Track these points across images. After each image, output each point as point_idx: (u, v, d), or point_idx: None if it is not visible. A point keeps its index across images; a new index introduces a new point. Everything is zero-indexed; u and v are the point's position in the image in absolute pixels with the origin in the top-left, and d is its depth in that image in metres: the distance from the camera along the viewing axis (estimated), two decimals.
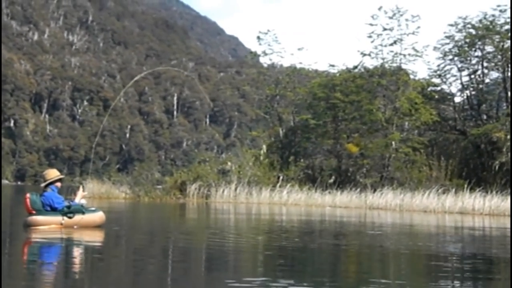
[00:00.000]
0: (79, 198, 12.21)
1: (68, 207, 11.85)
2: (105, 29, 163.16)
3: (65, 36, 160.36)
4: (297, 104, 38.54)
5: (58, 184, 12.05)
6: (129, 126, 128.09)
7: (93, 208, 12.54)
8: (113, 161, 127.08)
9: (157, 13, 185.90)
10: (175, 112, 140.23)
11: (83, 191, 12.56)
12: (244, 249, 10.22)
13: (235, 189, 31.23)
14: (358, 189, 30.54)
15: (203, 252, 9.36)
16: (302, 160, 36.22)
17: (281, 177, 33.12)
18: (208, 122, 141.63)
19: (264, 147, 37.55)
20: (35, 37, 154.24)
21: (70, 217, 11.79)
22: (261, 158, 35.95)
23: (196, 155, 68.52)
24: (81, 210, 12.00)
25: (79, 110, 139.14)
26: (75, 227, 11.70)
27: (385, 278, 7.30)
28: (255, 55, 43.94)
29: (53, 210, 11.80)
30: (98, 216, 12.32)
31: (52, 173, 12.07)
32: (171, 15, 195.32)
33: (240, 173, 32.69)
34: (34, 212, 11.70)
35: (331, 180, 34.17)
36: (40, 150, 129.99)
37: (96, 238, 10.95)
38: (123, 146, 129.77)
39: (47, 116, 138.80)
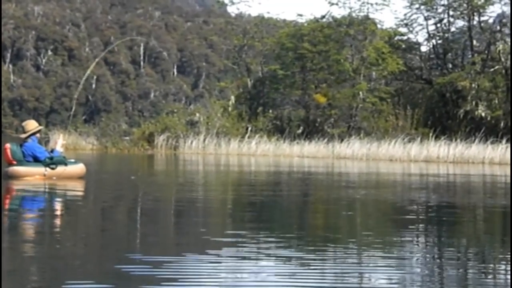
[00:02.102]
0: (60, 146, 12.19)
1: (51, 158, 11.80)
2: None
3: None
4: (265, 54, 38.38)
5: (38, 135, 12.03)
6: (95, 77, 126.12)
7: (72, 160, 12.47)
8: (79, 112, 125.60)
9: None
10: (141, 63, 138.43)
11: (63, 139, 12.55)
12: (212, 202, 10.35)
13: (204, 140, 31.30)
14: (326, 139, 30.84)
15: (172, 206, 9.45)
16: (270, 111, 36.30)
17: (249, 128, 33.23)
18: (175, 73, 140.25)
19: (233, 98, 37.49)
20: None
21: (53, 168, 11.74)
22: (230, 109, 35.95)
23: (164, 106, 68.09)
24: (64, 161, 11.97)
25: (44, 60, 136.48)
26: (54, 178, 11.65)
27: (352, 228, 7.50)
28: (222, 4, 43.48)
29: (36, 160, 11.73)
30: (80, 168, 12.32)
31: (33, 124, 11.97)
32: None
33: (209, 124, 32.71)
34: (14, 162, 11.60)
35: (299, 131, 34.39)
36: (4, 101, 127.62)
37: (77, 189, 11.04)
38: (89, 97, 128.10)
39: (10, 66, 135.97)
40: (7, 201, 9.09)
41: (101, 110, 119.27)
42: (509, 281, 4.40)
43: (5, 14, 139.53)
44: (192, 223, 7.40)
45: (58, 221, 7.28)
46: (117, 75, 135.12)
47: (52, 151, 12.07)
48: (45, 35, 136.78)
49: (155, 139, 32.18)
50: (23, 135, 11.83)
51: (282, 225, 7.42)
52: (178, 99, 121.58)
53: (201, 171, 18.69)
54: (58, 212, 8.14)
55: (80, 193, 10.57)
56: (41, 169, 11.70)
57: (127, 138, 35.01)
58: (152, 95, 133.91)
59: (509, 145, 26.64)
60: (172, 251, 5.40)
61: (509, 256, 5.37)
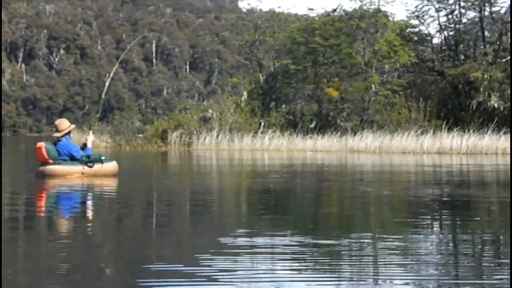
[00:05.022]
0: (90, 143, 12.39)
1: (88, 156, 12.01)
2: None
3: None
4: (277, 49, 38.43)
5: (71, 134, 12.26)
6: (107, 75, 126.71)
7: (103, 158, 12.61)
8: (93, 110, 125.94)
9: None
10: (154, 60, 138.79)
11: (93, 136, 12.79)
12: (227, 198, 10.49)
13: (217, 136, 31.44)
14: (339, 133, 30.88)
15: (187, 204, 9.60)
16: (283, 105, 36.37)
17: (262, 123, 33.34)
18: (188, 70, 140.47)
19: (245, 93, 37.59)
20: None
21: (90, 166, 11.96)
22: (242, 104, 36.05)
23: (176, 103, 68.30)
24: (100, 159, 12.20)
25: (56, 59, 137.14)
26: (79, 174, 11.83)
27: (367, 222, 7.62)
28: (233, 0, 43.48)
29: (72, 159, 11.92)
30: (114, 165, 12.55)
31: (66, 123, 12.16)
32: None
33: (222, 120, 32.85)
34: (51, 161, 11.75)
35: (312, 125, 34.44)
36: (18, 100, 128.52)
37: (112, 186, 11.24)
38: (102, 95, 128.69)
39: (23, 65, 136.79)
40: (44, 200, 9.28)
41: (114, 108, 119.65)
42: None
43: (17, 14, 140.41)
44: (211, 215, 7.55)
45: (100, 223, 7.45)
46: (130, 73, 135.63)
47: (83, 148, 12.24)
48: (57, 34, 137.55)
49: (168, 136, 32.38)
50: (58, 134, 11.97)
51: (295, 220, 7.56)
52: (191, 96, 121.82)
53: (223, 166, 18.86)
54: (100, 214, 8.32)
55: (123, 192, 10.70)
56: (79, 168, 11.88)
57: (141, 135, 35.23)
58: (165, 92, 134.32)
59: None
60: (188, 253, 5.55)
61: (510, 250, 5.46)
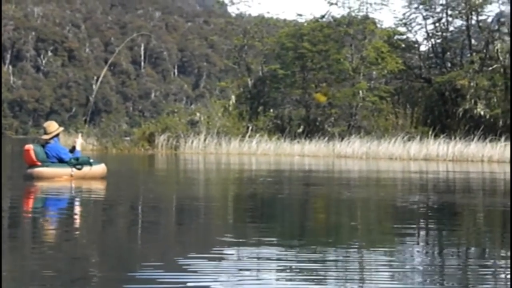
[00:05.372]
0: (79, 146, 12.36)
1: (77, 158, 11.97)
2: None
3: None
4: (265, 54, 38.50)
5: (59, 136, 12.20)
6: (95, 77, 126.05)
7: (92, 160, 12.56)
8: (80, 112, 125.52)
9: None
10: (142, 63, 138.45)
11: (82, 139, 12.73)
12: (214, 203, 10.47)
13: (204, 140, 31.41)
14: (326, 138, 30.97)
15: (173, 208, 9.57)
16: (271, 110, 36.44)
17: (250, 127, 33.36)
18: (176, 73, 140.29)
19: (233, 97, 37.61)
20: None
21: (79, 169, 11.92)
22: (230, 108, 36.07)
23: (164, 106, 68.19)
24: (89, 162, 12.16)
25: (44, 61, 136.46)
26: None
27: (353, 228, 7.62)
28: (222, 4, 43.60)
29: (60, 161, 11.85)
30: (102, 168, 12.52)
31: (54, 126, 12.12)
32: None
33: (209, 124, 32.83)
34: (39, 163, 11.67)
35: (300, 130, 34.53)
36: (4, 102, 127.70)
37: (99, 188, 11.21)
38: (89, 98, 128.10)
39: (10, 67, 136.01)
40: (32, 202, 9.20)
41: (101, 111, 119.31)
42: (509, 281, 4.51)
43: (5, 15, 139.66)
44: (196, 224, 7.53)
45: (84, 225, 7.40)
46: (118, 76, 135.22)
47: (71, 151, 12.20)
48: (45, 36, 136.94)
49: (155, 139, 32.32)
50: (46, 136, 11.93)
51: (282, 226, 7.55)
52: (179, 99, 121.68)
53: (211, 171, 18.83)
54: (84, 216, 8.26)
55: (112, 194, 10.66)
56: (67, 170, 11.83)
57: (128, 138, 35.11)
58: (152, 95, 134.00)
59: (508, 143, 26.75)
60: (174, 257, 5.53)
61: (510, 255, 5.48)
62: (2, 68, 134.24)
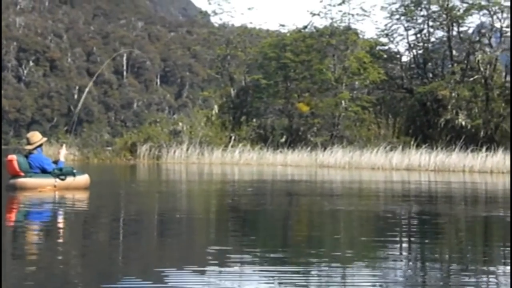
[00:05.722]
0: (63, 157, 12.27)
1: (60, 169, 11.88)
2: None
3: None
4: (248, 64, 38.56)
5: (43, 146, 12.10)
6: (77, 87, 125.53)
7: (75, 171, 12.47)
8: (61, 122, 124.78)
9: None
10: (124, 73, 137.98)
11: (66, 150, 12.64)
12: (196, 214, 10.40)
13: (187, 149, 31.31)
14: (309, 148, 31.01)
15: (154, 220, 9.49)
16: (254, 120, 36.46)
17: (233, 137, 33.32)
18: (159, 83, 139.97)
19: (216, 107, 37.59)
20: None
21: (62, 179, 11.83)
22: (213, 118, 36.04)
23: (147, 116, 67.97)
24: (72, 172, 12.07)
25: (25, 71, 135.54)
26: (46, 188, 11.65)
27: (335, 240, 7.59)
28: (205, 15, 43.61)
29: (43, 172, 11.75)
30: (85, 179, 12.43)
31: (38, 136, 12.05)
32: None
33: (192, 134, 32.74)
34: (22, 174, 11.55)
35: (283, 139, 34.55)
36: None
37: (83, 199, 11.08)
38: (71, 108, 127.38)
39: None
40: (15, 213, 9.06)
41: (83, 121, 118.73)
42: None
43: None
44: (178, 236, 7.45)
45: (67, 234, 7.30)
46: (100, 86, 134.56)
47: (55, 162, 12.10)
48: (26, 46, 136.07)
49: (137, 149, 32.15)
50: (30, 147, 11.84)
51: (265, 238, 7.50)
52: (162, 109, 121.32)
53: (190, 181, 18.73)
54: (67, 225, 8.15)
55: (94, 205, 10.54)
56: (51, 180, 11.75)
57: (109, 148, 34.93)
58: (135, 105, 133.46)
59: (488, 153, 26.94)
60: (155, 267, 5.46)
61: (509, 263, 5.47)
62: None
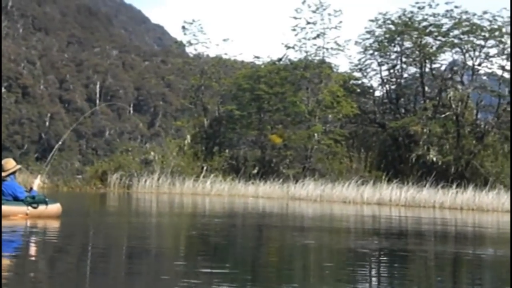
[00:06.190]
0: (36, 186, 12.14)
1: (33, 197, 11.74)
2: (25, 15, 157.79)
3: None
4: (222, 94, 38.57)
5: (16, 174, 11.93)
6: (49, 114, 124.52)
7: (48, 199, 12.29)
8: (32, 150, 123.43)
9: (79, 0, 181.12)
10: (97, 101, 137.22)
11: (40, 180, 12.48)
12: (164, 248, 10.23)
13: (158, 179, 30.98)
14: (281, 180, 30.92)
15: (123, 253, 9.29)
16: (226, 150, 36.35)
17: (205, 167, 33.12)
18: (131, 111, 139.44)
19: (188, 137, 37.40)
20: None
21: (34, 207, 11.66)
22: (185, 148, 35.82)
23: (118, 144, 67.47)
24: (45, 200, 11.94)
25: None
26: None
27: (305, 277, 7.48)
28: (180, 45, 43.63)
29: (15, 199, 11.59)
30: (57, 207, 12.26)
31: (12, 163, 11.95)
32: (94, 2, 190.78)
33: (163, 163, 32.46)
34: None
35: (255, 171, 34.44)
36: None
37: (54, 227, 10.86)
38: (42, 135, 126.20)
39: None
40: None
41: (54, 148, 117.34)
42: None
43: None
44: (147, 269, 7.28)
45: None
46: (72, 113, 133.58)
47: (30, 190, 11.98)
48: None
49: (108, 178, 31.74)
50: (3, 174, 11.68)
51: (235, 273, 7.36)
52: (134, 138, 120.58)
53: (160, 212, 18.49)
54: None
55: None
56: (23, 208, 11.59)
57: (80, 176, 34.47)
58: (107, 133, 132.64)
59: (459, 190, 27.13)
60: None
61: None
62: None
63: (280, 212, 19.78)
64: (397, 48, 37.57)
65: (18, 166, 12.02)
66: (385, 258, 8.77)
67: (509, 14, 35.71)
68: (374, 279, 6.92)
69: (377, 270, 7.65)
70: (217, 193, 30.03)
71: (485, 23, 35.39)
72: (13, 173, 11.83)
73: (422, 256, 9.19)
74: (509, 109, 35.11)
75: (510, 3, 34.99)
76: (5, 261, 7.07)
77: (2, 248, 8.32)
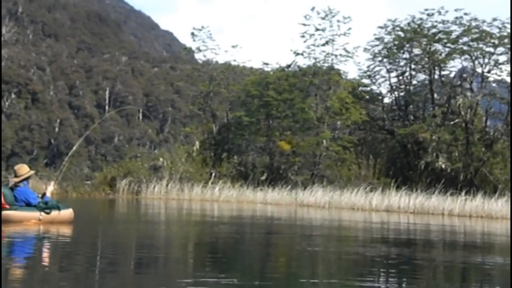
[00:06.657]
0: (49, 193, 12.22)
1: (45, 203, 11.83)
2: (35, 21, 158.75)
3: None
4: (231, 101, 38.63)
5: (29, 179, 12.02)
6: (58, 120, 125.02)
7: (60, 205, 12.40)
8: (41, 155, 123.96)
9: (89, 6, 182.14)
10: (107, 107, 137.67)
11: (53, 186, 12.57)
12: (174, 254, 10.25)
13: (167, 185, 31.03)
14: (289, 186, 30.89)
15: (132, 255, 9.33)
16: (235, 157, 36.38)
17: (213, 174, 33.16)
18: (141, 117, 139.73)
19: (197, 143, 37.48)
20: None
21: (47, 213, 11.77)
22: (194, 154, 35.89)
23: (127, 150, 67.64)
24: (57, 206, 12.03)
25: (7, 103, 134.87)
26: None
27: (313, 285, 7.48)
28: (189, 51, 43.78)
29: (28, 205, 11.67)
30: (70, 213, 12.36)
31: (25, 169, 12.07)
32: (104, 8, 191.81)
33: (172, 169, 32.52)
34: (7, 206, 11.40)
35: (263, 177, 34.43)
36: None
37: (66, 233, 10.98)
38: (52, 141, 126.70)
39: None
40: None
41: (63, 154, 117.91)
42: None
43: None
44: (156, 277, 7.31)
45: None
46: (81, 119, 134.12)
47: (42, 196, 12.03)
48: (9, 78, 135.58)
49: (117, 184, 31.82)
50: (16, 179, 11.77)
51: (243, 279, 7.37)
52: (143, 144, 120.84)
53: (169, 218, 18.52)
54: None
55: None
56: (36, 214, 11.68)
57: (89, 182, 34.56)
58: (116, 139, 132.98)
59: (468, 197, 27.03)
60: None
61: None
62: None
63: (288, 218, 19.77)
64: (406, 55, 37.54)
65: (32, 172, 12.14)
66: (393, 266, 8.75)
67: None
68: (382, 287, 6.91)
69: (386, 278, 7.64)
70: (226, 199, 30.04)
71: (495, 30, 35.37)
72: (26, 179, 11.90)
73: (431, 265, 9.16)
74: None
75: (510, 5, 34.97)
76: (17, 266, 7.12)
77: (14, 254, 8.39)
